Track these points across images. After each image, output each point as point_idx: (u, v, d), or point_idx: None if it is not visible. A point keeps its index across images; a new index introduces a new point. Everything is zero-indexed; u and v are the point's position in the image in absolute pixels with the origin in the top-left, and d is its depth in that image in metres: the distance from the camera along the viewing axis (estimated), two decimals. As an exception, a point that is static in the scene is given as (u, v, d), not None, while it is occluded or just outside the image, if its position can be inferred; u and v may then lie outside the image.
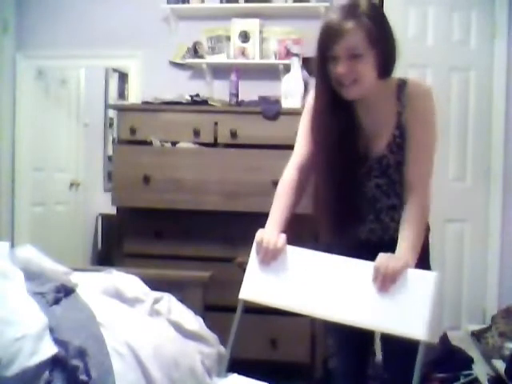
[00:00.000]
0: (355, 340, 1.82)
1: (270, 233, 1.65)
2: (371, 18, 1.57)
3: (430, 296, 1.46)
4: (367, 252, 1.58)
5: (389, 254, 1.53)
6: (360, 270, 1.55)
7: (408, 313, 1.47)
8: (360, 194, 1.73)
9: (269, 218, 1.71)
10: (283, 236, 1.65)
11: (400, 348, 1.52)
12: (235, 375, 1.64)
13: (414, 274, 1.50)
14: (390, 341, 1.57)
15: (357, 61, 1.57)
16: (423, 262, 1.61)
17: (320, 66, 1.64)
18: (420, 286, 1.48)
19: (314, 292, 1.60)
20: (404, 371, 1.50)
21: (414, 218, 1.60)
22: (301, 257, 1.65)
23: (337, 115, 1.67)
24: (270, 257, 1.63)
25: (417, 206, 1.61)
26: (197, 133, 3.21)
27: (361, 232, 1.75)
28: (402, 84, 1.69)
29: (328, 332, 2.03)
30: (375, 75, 1.61)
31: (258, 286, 1.66)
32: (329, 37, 1.58)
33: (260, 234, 1.65)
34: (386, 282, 1.49)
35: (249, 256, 1.69)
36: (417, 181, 1.63)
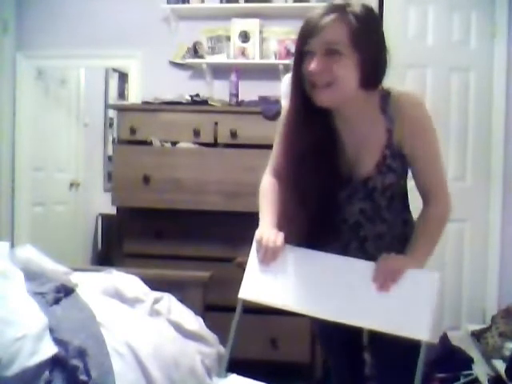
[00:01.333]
0: (349, 342, 1.79)
1: (269, 231, 1.60)
2: (359, 17, 1.41)
3: (432, 296, 1.45)
4: None
5: (391, 254, 1.51)
6: (361, 269, 1.54)
7: (410, 313, 1.46)
8: (340, 219, 1.61)
9: (261, 219, 1.65)
10: (282, 234, 1.60)
11: (396, 350, 1.51)
12: (235, 375, 1.64)
13: (416, 274, 1.49)
14: (380, 343, 1.56)
15: (334, 59, 1.40)
16: None
17: (295, 65, 1.47)
18: (422, 285, 1.47)
19: (314, 292, 1.59)
20: (401, 374, 1.49)
21: (432, 227, 1.54)
22: (301, 256, 1.63)
23: (311, 127, 1.51)
24: (270, 255, 1.58)
25: (438, 216, 1.55)
26: (197, 133, 3.21)
27: None
28: (386, 95, 1.52)
29: (319, 337, 1.98)
30: (356, 83, 1.44)
31: (258, 285, 1.65)
32: (307, 30, 1.43)
33: (259, 233, 1.61)
34: (387, 280, 1.47)
35: (248, 256, 1.69)
36: (439, 191, 1.56)
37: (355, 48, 1.40)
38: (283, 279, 1.63)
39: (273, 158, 1.73)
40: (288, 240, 1.60)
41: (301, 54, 1.46)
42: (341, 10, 1.42)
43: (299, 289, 1.61)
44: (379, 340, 1.54)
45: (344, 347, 1.82)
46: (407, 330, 1.45)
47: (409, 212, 1.66)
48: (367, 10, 1.47)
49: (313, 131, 1.51)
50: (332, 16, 1.40)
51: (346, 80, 1.42)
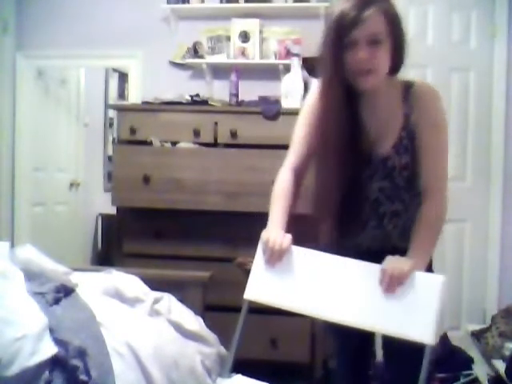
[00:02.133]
0: (355, 342, 1.80)
1: (276, 233, 1.61)
2: (391, 3, 1.55)
3: (436, 300, 1.45)
4: (368, 261, 1.55)
5: (397, 257, 1.52)
6: (367, 271, 1.54)
7: (414, 316, 1.46)
8: (362, 197, 1.68)
9: (270, 219, 1.66)
10: (289, 236, 1.61)
11: (403, 351, 1.52)
12: (239, 376, 1.64)
13: (421, 277, 1.49)
14: (391, 344, 1.56)
15: (377, 47, 1.52)
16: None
17: (334, 56, 1.54)
18: (427, 289, 1.47)
19: (320, 293, 1.59)
20: (407, 374, 1.50)
21: (430, 224, 1.57)
22: (307, 258, 1.63)
23: (347, 113, 1.60)
24: (276, 257, 1.59)
25: (434, 212, 1.59)
26: (197, 133, 3.21)
27: (362, 239, 1.71)
28: (409, 85, 1.65)
29: (328, 334, 2.00)
30: (388, 67, 1.57)
31: (264, 286, 1.65)
32: (347, 22, 1.50)
33: (266, 234, 1.61)
34: (393, 283, 1.48)
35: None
36: (435, 186, 1.61)
37: (391, 34, 1.54)
38: (289, 281, 1.62)
39: (292, 153, 1.77)
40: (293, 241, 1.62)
41: (340, 45, 1.53)
42: (372, 0, 1.51)
43: (305, 290, 1.60)
44: (389, 343, 1.56)
45: (352, 349, 1.83)
46: (411, 333, 1.46)
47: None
48: None
49: (348, 118, 1.61)
50: (372, 9, 1.50)
51: (384, 65, 1.56)
